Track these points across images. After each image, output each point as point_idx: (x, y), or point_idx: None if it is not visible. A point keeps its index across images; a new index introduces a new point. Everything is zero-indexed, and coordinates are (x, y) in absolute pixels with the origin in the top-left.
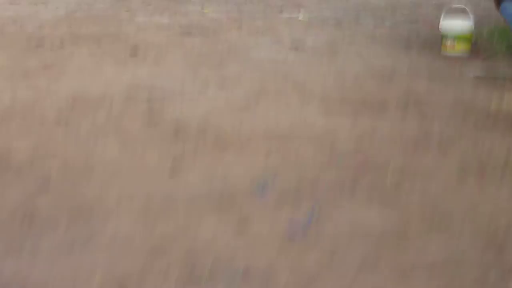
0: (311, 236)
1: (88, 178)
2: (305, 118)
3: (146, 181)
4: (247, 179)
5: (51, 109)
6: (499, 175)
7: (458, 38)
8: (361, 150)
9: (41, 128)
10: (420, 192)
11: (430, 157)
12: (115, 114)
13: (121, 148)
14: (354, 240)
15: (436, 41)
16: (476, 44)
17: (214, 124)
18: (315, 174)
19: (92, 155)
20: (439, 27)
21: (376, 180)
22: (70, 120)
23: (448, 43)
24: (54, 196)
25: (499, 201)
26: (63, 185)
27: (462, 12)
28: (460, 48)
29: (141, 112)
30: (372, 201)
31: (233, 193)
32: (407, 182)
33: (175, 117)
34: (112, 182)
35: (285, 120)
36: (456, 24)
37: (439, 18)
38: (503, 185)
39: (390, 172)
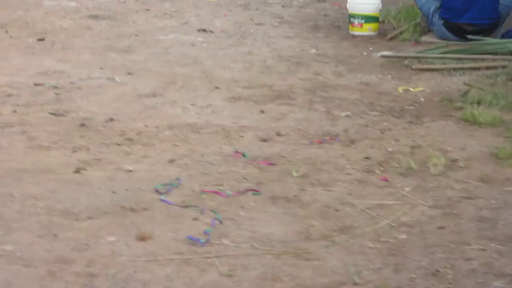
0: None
1: None
2: (212, 107)
3: (51, 179)
4: (151, 176)
5: None
6: (403, 168)
7: (365, 17)
8: (268, 140)
9: None
10: (324, 187)
11: (336, 147)
12: (22, 104)
13: (27, 143)
14: None
15: (344, 20)
16: (384, 23)
17: (121, 115)
18: (220, 170)
19: None
20: (347, 6)
21: (283, 174)
22: None
23: (356, 22)
24: None
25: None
26: None
27: None
28: (367, 28)
29: (48, 101)
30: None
31: (137, 193)
32: (313, 176)
33: (82, 107)
34: (16, 183)
35: (192, 109)
36: (363, 3)
37: None
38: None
39: (296, 164)
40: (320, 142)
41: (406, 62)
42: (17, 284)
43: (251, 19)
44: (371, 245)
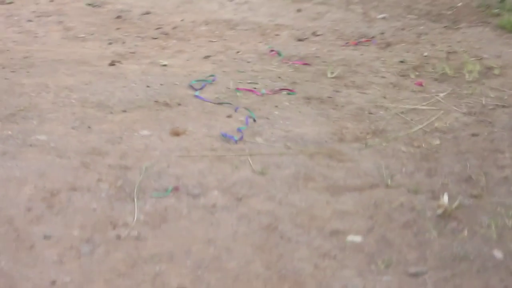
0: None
1: (28, 68)
2: (249, 4)
3: (85, 71)
4: (186, 72)
5: None
6: (438, 74)
7: None
8: (303, 40)
9: None
10: (359, 89)
11: (372, 49)
12: None
13: (63, 33)
14: None
15: None
16: None
17: (158, 8)
18: (255, 68)
19: (34, 42)
20: None
21: (317, 74)
22: (14, 0)
23: None
24: None
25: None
26: (1, 79)
27: None
28: None
29: None
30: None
31: (171, 88)
32: (348, 78)
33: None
34: (52, 74)
35: (229, 5)
36: None
37: None
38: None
39: (331, 65)
40: (356, 44)
41: None
42: (51, 174)
43: None
44: (404, 149)
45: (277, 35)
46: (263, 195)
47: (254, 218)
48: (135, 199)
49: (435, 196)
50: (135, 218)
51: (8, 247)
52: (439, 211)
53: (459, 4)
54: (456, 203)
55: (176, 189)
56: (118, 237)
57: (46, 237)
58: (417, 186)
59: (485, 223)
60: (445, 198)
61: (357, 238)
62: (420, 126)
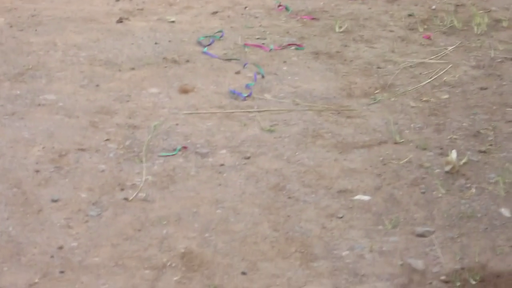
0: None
1: (36, 26)
2: None
3: (93, 29)
4: (194, 28)
5: None
6: (446, 27)
7: None
8: None
9: None
10: (367, 43)
11: (380, 3)
12: None
13: None
14: None
15: None
16: None
17: None
18: (263, 23)
19: (40, 0)
20: None
21: (325, 29)
22: None
23: None
24: None
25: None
26: (9, 38)
27: None
28: None
29: None
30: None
31: (179, 45)
32: (356, 32)
33: None
34: (59, 32)
35: None
36: None
37: None
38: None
39: (339, 20)
40: None
41: None
42: (59, 134)
43: None
44: (412, 104)
45: None
46: (271, 153)
47: (262, 178)
48: (144, 160)
49: (444, 152)
50: (144, 179)
51: (16, 212)
52: (447, 168)
53: None
54: (464, 160)
55: (184, 148)
56: (126, 199)
57: (54, 201)
58: (426, 142)
59: (493, 180)
60: (453, 155)
61: (365, 197)
62: (429, 80)
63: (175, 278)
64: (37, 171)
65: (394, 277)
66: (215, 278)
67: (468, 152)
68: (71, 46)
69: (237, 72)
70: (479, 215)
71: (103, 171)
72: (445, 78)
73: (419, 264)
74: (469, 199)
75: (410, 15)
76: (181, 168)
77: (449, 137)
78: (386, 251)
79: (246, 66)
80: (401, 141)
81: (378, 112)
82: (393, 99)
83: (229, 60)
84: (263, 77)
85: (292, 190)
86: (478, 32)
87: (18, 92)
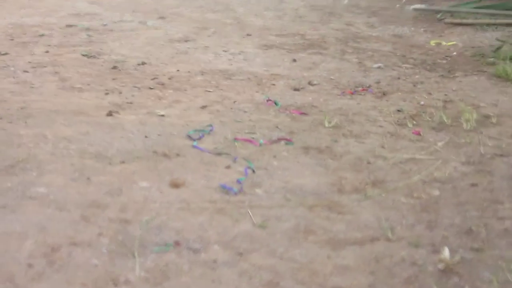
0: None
1: (25, 118)
2: (244, 54)
3: (83, 121)
4: (183, 122)
5: None
6: (435, 123)
7: None
8: (300, 90)
9: None
10: (356, 138)
11: (368, 98)
12: (55, 44)
13: (59, 83)
14: None
15: None
16: None
17: (153, 59)
18: (253, 118)
19: (30, 92)
20: None
21: (315, 124)
22: (9, 51)
23: None
24: None
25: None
26: None
27: None
28: None
29: (80, 43)
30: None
31: (169, 138)
32: (346, 127)
33: (114, 49)
34: (49, 124)
35: (224, 55)
36: None
37: None
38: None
39: (328, 115)
40: (352, 93)
41: (439, 15)
42: (51, 227)
43: None
44: (404, 200)
45: (273, 84)
46: (264, 249)
47: (255, 275)
48: (136, 255)
49: (436, 250)
50: (137, 275)
51: None
52: (441, 266)
53: (454, 54)
54: (457, 257)
55: (177, 244)
56: None
57: None
58: (418, 239)
59: (486, 278)
60: (445, 253)
61: None
62: (419, 176)
63: None
64: (30, 265)
65: None
66: None
67: (461, 250)
68: (61, 138)
69: (228, 167)
70: None
71: (96, 266)
72: (435, 174)
73: None
74: None
75: (399, 110)
76: (174, 264)
77: (441, 234)
78: None
79: (236, 160)
80: (393, 238)
81: (369, 208)
82: (384, 195)
83: (219, 154)
84: (253, 171)
85: (286, 287)
86: (468, 128)
87: (9, 184)
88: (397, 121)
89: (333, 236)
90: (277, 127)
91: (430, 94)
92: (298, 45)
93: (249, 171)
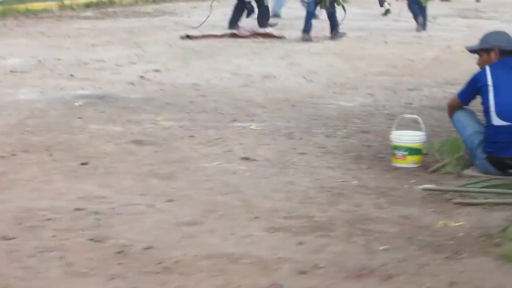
0: None
1: None
2: (251, 237)
3: None
4: None
5: None
6: None
7: (409, 149)
8: (306, 273)
9: None
10: None
11: (374, 281)
12: (62, 228)
13: (64, 269)
14: None
15: (387, 151)
16: (427, 156)
17: (159, 243)
18: None
19: (35, 278)
20: (390, 137)
21: None
22: (17, 235)
23: (399, 154)
24: None
25: None
26: None
27: (414, 122)
28: (410, 160)
29: (88, 227)
30: None
31: None
32: None
33: (122, 233)
34: None
35: (231, 239)
36: (407, 135)
37: (391, 128)
38: None
39: None
40: (358, 277)
41: (447, 195)
42: None
43: (294, 148)
44: None
45: (279, 268)
46: None
47: None
48: None
49: None
50: None
51: None
52: None
53: (461, 234)
54: None
55: None
56: None
57: None
58: None
59: None
60: None
61: None
62: None
63: None
64: None
65: None
66: None
67: None
68: None
69: None
70: None
71: None
72: None
73: None
74: None
75: None
76: None
77: None
78: None
79: None
80: None
81: None
82: None
83: None
84: None
85: None
86: None
87: None
88: None
89: None
90: None
91: (435, 276)
92: (305, 227)
93: None
